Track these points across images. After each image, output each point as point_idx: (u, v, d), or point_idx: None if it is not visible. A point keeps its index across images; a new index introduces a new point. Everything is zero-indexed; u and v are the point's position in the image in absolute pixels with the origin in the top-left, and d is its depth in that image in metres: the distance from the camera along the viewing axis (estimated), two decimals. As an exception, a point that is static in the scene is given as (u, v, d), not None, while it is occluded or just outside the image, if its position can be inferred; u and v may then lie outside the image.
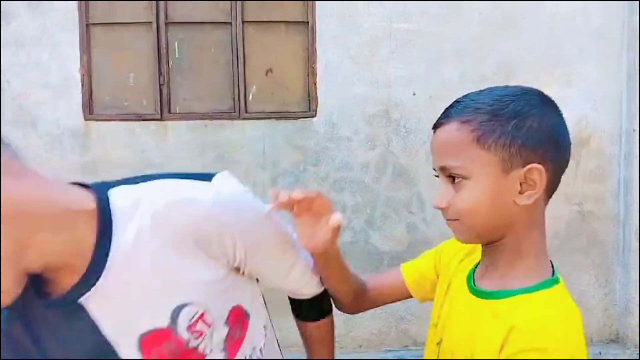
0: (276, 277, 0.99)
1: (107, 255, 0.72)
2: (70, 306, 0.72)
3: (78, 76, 3.32)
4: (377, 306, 1.14)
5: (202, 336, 0.81)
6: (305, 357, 1.21)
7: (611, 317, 3.50)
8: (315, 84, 3.36)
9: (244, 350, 0.88)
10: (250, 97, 3.38)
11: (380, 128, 3.37)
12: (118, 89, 3.37)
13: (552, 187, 0.83)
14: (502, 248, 0.83)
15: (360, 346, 3.42)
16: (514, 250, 0.83)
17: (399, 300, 1.13)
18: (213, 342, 0.82)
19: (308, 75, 3.38)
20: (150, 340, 0.76)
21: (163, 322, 0.77)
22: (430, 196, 3.36)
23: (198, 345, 0.80)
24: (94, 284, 0.72)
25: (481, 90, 0.85)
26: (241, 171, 3.31)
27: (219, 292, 0.82)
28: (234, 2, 3.33)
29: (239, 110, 3.34)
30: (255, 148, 3.32)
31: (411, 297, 1.11)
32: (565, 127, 0.83)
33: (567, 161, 0.84)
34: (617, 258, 3.47)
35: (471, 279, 0.90)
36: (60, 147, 3.31)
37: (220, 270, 0.83)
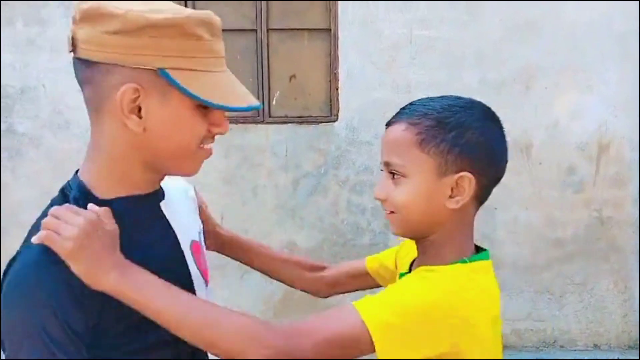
0: None
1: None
2: (156, 205, 0.90)
3: (109, 81, 3.37)
4: (341, 290, 1.24)
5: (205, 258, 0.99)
6: None
7: (630, 323, 3.42)
8: (337, 89, 3.36)
9: None
10: (274, 102, 3.40)
11: (401, 132, 3.35)
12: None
13: (481, 196, 0.88)
14: (427, 244, 0.90)
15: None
16: (436, 247, 0.88)
17: (363, 288, 1.19)
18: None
19: (330, 80, 3.39)
20: (195, 247, 0.95)
21: (197, 237, 0.97)
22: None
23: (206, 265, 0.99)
24: (164, 196, 0.91)
25: (434, 97, 0.91)
26: (264, 173, 3.33)
27: None
28: (259, 10, 3.35)
29: (263, 114, 3.36)
30: (278, 151, 3.34)
31: (375, 286, 1.17)
32: (504, 144, 0.89)
33: (500, 176, 0.90)
34: (636, 264, 3.39)
35: (404, 275, 0.96)
36: (92, 148, 3.36)
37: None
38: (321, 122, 3.35)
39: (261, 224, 3.38)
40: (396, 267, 1.07)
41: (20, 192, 3.37)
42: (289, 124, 3.34)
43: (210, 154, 0.86)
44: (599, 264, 3.39)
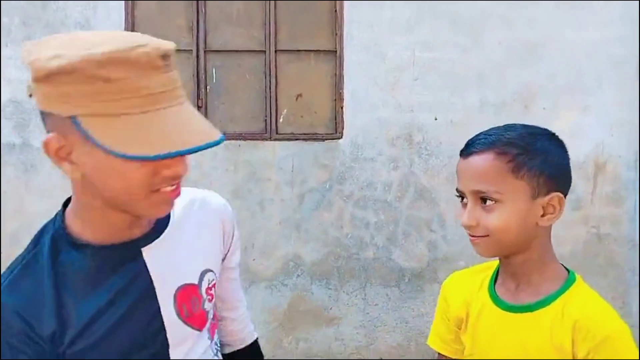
0: (231, 298, 1.06)
1: (168, 220, 0.87)
2: (133, 251, 0.83)
3: (123, 98, 3.39)
4: None
5: (212, 301, 0.93)
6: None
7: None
8: (341, 108, 3.38)
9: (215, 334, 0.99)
10: (281, 120, 3.42)
11: (403, 150, 3.36)
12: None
13: (563, 211, 0.95)
14: (529, 262, 0.93)
15: (381, 358, 3.38)
16: (539, 263, 0.94)
17: None
18: (212, 310, 0.94)
19: (335, 100, 3.41)
20: (183, 293, 0.87)
21: (194, 279, 0.89)
22: (450, 215, 3.32)
23: (208, 308, 0.92)
24: (155, 239, 0.85)
25: (501, 127, 0.95)
26: (271, 188, 3.33)
27: (220, 270, 0.97)
28: (268, 32, 3.39)
29: (270, 131, 3.37)
30: (284, 167, 3.35)
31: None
32: (569, 161, 0.96)
33: (568, 192, 0.96)
34: (634, 280, 3.36)
35: (496, 298, 0.97)
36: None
37: (222, 254, 0.98)
38: (326, 139, 3.36)
39: (267, 237, 3.38)
40: (453, 321, 1.03)
41: (35, 204, 3.38)
42: (296, 141, 3.36)
43: (175, 195, 0.78)
44: (598, 280, 3.35)
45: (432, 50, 3.33)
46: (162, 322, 0.85)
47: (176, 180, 0.76)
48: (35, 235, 0.85)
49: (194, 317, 0.89)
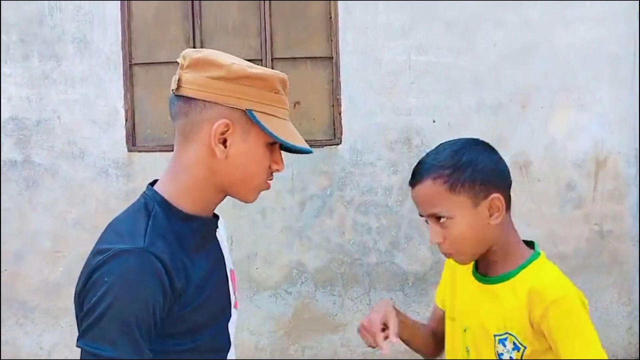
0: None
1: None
2: (215, 225, 1.03)
3: (122, 112, 3.41)
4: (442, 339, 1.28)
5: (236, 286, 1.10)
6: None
7: (635, 334, 3.37)
8: (339, 114, 3.38)
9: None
10: (280, 128, 3.42)
11: (402, 154, 3.36)
12: (159, 122, 3.44)
13: (508, 203, 1.08)
14: (494, 252, 1.08)
15: (388, 364, 3.36)
16: (503, 249, 1.08)
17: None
18: None
19: (333, 106, 3.41)
20: (232, 274, 1.06)
21: (232, 265, 1.08)
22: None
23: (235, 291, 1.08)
24: (217, 226, 1.04)
25: (435, 150, 1.08)
26: (271, 196, 3.33)
27: None
28: (264, 41, 3.40)
29: (269, 139, 3.37)
30: (284, 174, 3.34)
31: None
32: (501, 159, 1.09)
33: (511, 182, 1.09)
34: (638, 276, 3.35)
35: (476, 272, 1.13)
36: (106, 177, 3.39)
37: None
38: (325, 146, 3.36)
39: (270, 245, 3.37)
40: (460, 274, 1.19)
41: (37, 220, 3.38)
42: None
43: (269, 187, 1.01)
44: (602, 277, 3.34)
45: (428, 53, 3.34)
46: (230, 299, 1.03)
47: (273, 176, 1.00)
48: (137, 208, 0.95)
49: (236, 299, 1.07)
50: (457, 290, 1.18)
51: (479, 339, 1.09)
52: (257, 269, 3.37)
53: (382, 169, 3.36)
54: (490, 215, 1.04)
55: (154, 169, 3.35)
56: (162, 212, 0.93)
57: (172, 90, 0.95)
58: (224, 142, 0.94)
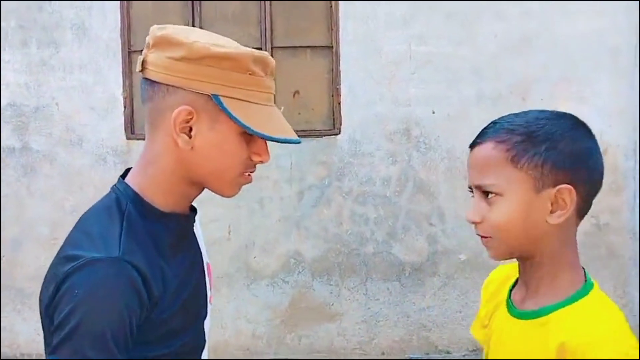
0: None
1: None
2: (192, 222, 0.95)
3: (120, 99, 3.40)
4: None
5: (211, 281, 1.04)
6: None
7: (630, 327, 3.39)
8: (339, 103, 3.37)
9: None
10: (279, 117, 3.41)
11: (401, 145, 3.36)
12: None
13: (583, 208, 0.83)
14: (538, 266, 0.84)
15: (383, 353, 3.38)
16: (550, 267, 0.83)
17: None
18: None
19: (332, 95, 3.40)
20: (209, 268, 1.00)
21: (208, 260, 1.01)
22: (449, 209, 3.33)
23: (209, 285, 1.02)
24: (194, 220, 0.96)
25: (518, 113, 0.86)
26: (270, 186, 3.33)
27: None
28: (263, 29, 3.38)
29: (268, 129, 3.37)
30: (283, 164, 3.34)
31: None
32: (598, 151, 0.84)
33: (599, 184, 0.84)
34: (635, 269, 3.37)
35: (510, 301, 0.89)
36: (104, 164, 3.38)
37: None
38: (324, 136, 3.36)
39: (267, 234, 3.38)
40: (495, 302, 0.96)
41: (35, 207, 3.38)
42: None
43: (250, 181, 0.91)
44: (598, 269, 3.36)
45: (428, 44, 3.33)
46: (206, 294, 0.96)
47: (255, 168, 0.90)
48: (108, 206, 0.87)
49: (211, 294, 1.01)
50: (492, 325, 0.93)
51: None
52: (254, 258, 3.38)
53: (380, 159, 3.36)
54: (552, 211, 0.80)
55: (153, 157, 3.35)
56: (135, 211, 0.85)
57: (138, 71, 0.88)
58: (190, 131, 0.84)
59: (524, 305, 0.86)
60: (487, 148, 0.83)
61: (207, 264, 1.00)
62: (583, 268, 0.86)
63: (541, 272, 0.83)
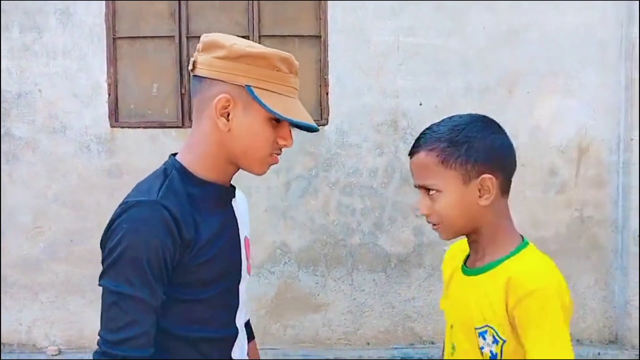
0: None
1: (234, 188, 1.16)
2: (231, 194, 1.13)
3: (105, 86, 3.35)
4: None
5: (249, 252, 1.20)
6: (315, 355, 1.31)
7: (610, 319, 3.45)
8: (327, 94, 3.37)
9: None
10: (266, 106, 3.40)
11: (388, 136, 3.37)
12: (142, 98, 3.40)
13: (505, 186, 1.06)
14: (481, 237, 1.06)
15: (368, 343, 3.41)
16: (490, 236, 1.06)
17: None
18: None
19: (320, 86, 3.39)
20: (247, 243, 1.16)
21: (248, 235, 1.19)
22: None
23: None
24: (234, 196, 1.15)
25: (440, 122, 1.07)
26: (256, 176, 3.32)
27: None
28: (251, 18, 3.35)
29: (255, 118, 3.35)
30: (270, 154, 3.33)
31: None
32: (507, 141, 1.07)
33: (513, 166, 1.08)
34: (616, 262, 3.42)
35: (463, 266, 1.11)
36: (88, 152, 3.35)
37: None
38: (312, 126, 3.35)
39: (254, 225, 3.33)
40: (451, 271, 1.17)
41: (17, 195, 3.34)
42: (281, 128, 3.34)
43: (277, 162, 1.10)
44: (581, 262, 3.41)
45: (417, 35, 3.33)
46: (241, 260, 1.12)
47: (281, 151, 1.09)
48: (158, 173, 1.06)
49: (249, 264, 1.17)
50: (449, 290, 1.15)
51: (462, 335, 1.07)
52: (249, 245, 3.37)
53: (368, 150, 3.37)
54: (480, 196, 1.03)
55: (137, 145, 3.32)
56: (178, 177, 1.04)
57: (190, 70, 1.07)
58: (228, 116, 1.03)
59: (474, 265, 1.08)
60: (422, 156, 1.05)
61: (247, 238, 1.16)
62: (521, 236, 1.09)
63: (485, 240, 1.06)
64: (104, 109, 3.35)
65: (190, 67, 1.07)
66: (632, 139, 3.30)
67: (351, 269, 3.40)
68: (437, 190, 1.03)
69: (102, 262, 0.99)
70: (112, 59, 3.36)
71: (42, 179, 3.33)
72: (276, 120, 1.04)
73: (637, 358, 3.29)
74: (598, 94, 3.37)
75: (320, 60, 3.38)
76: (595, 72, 3.36)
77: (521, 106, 3.36)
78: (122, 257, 0.95)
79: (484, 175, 1.02)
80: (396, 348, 3.39)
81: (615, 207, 3.40)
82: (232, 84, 1.02)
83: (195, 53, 1.07)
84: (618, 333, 3.43)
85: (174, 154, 1.12)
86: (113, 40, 3.35)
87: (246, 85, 1.02)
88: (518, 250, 1.04)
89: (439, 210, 1.03)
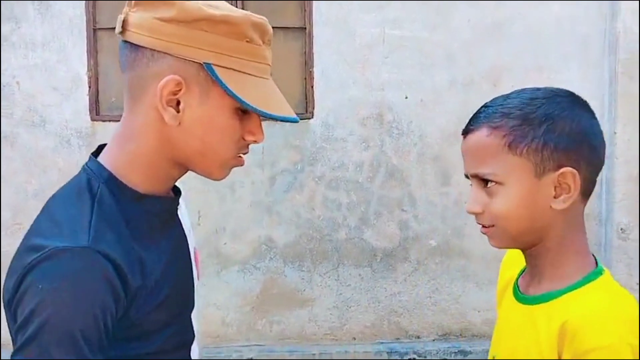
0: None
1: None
2: (175, 205, 0.87)
3: (85, 78, 3.31)
4: None
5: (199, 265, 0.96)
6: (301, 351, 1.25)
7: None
8: (312, 87, 3.36)
9: None
10: (250, 100, 3.38)
11: (374, 130, 3.37)
12: (123, 91, 3.36)
13: (588, 188, 0.81)
14: (544, 253, 0.81)
15: (354, 338, 3.43)
16: (554, 254, 0.81)
17: None
18: None
19: (305, 78, 3.39)
20: (196, 254, 0.92)
21: (195, 245, 0.93)
22: (421, 194, 3.36)
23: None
24: (178, 202, 0.88)
25: (509, 94, 0.82)
26: (241, 170, 3.30)
27: None
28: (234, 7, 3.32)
29: (239, 112, 3.33)
30: (254, 148, 3.29)
31: None
32: (599, 128, 0.81)
33: (602, 162, 0.82)
34: (599, 255, 3.47)
35: (516, 287, 0.86)
36: (68, 146, 3.30)
37: None
38: (297, 120, 3.34)
39: (238, 220, 3.36)
40: (504, 284, 0.93)
41: (-6, 190, 3.29)
42: (266, 121, 3.32)
43: (242, 163, 0.85)
44: (564, 255, 3.46)
45: (402, 27, 3.33)
46: (193, 282, 0.89)
47: (248, 149, 0.82)
48: (79, 189, 0.78)
49: (199, 274, 0.94)
50: (499, 315, 0.91)
51: None
52: (225, 244, 3.36)
53: (353, 144, 3.37)
54: (556, 196, 0.78)
55: (119, 139, 3.28)
56: (108, 193, 0.77)
57: (117, 33, 0.78)
58: (177, 104, 0.75)
59: (529, 291, 0.84)
60: (482, 135, 0.79)
61: (195, 249, 0.92)
62: (593, 255, 0.84)
63: (547, 259, 0.81)
64: (84, 102, 3.31)
65: (118, 29, 0.77)
66: (615, 133, 3.34)
67: (337, 264, 3.41)
68: (498, 183, 0.78)
69: (14, 332, 0.72)
70: (93, 51, 3.31)
71: (21, 175, 3.28)
72: (242, 110, 0.77)
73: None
74: (582, 87, 3.39)
75: (305, 52, 3.37)
76: (579, 67, 3.39)
77: (506, 100, 3.38)
78: (43, 332, 0.68)
79: (565, 169, 0.77)
80: (382, 343, 3.41)
81: (599, 200, 3.45)
82: (185, 59, 0.74)
83: (126, 8, 0.78)
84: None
85: (95, 153, 0.82)
86: (94, 31, 3.30)
87: (205, 63, 0.73)
88: (587, 280, 0.78)
89: (497, 209, 0.78)
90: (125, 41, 0.77)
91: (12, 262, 0.75)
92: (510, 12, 3.35)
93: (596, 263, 0.82)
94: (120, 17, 0.77)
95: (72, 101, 3.30)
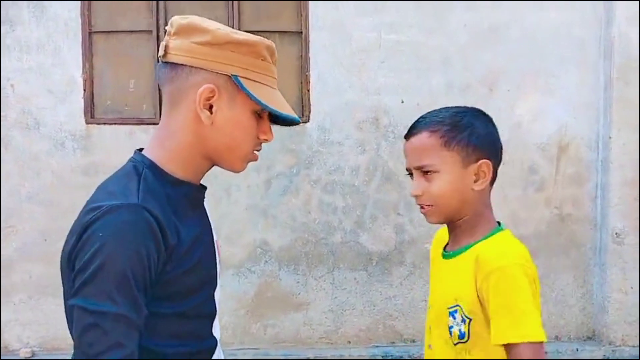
0: None
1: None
2: (204, 193, 1.05)
3: (80, 81, 3.30)
4: None
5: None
6: (296, 354, 1.30)
7: (588, 315, 3.52)
8: (308, 91, 3.36)
9: None
10: (246, 103, 3.38)
11: (370, 133, 3.38)
12: (119, 94, 3.35)
13: (494, 177, 1.12)
14: (464, 223, 1.11)
15: (349, 342, 3.42)
16: (472, 222, 1.11)
17: None
18: None
19: (301, 83, 3.39)
20: (217, 244, 1.08)
21: (217, 237, 1.09)
22: (417, 199, 3.36)
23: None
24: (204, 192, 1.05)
25: (439, 109, 1.12)
26: (237, 174, 3.30)
27: None
28: (231, 13, 3.33)
29: (235, 115, 3.33)
30: (250, 152, 3.31)
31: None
32: (498, 134, 1.14)
33: (501, 159, 1.14)
34: (594, 259, 3.49)
35: (443, 251, 1.17)
36: (63, 149, 3.29)
37: None
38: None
39: (234, 223, 3.36)
40: (434, 256, 1.22)
41: (-12, 193, 3.27)
42: (261, 125, 3.32)
43: (256, 158, 1.03)
44: (560, 259, 3.47)
45: (398, 32, 3.34)
46: (217, 266, 1.05)
47: (261, 146, 1.02)
48: (127, 171, 0.97)
49: (220, 267, 1.08)
50: (430, 273, 1.21)
51: (437, 315, 1.10)
52: (220, 247, 3.35)
53: (349, 148, 3.38)
54: (476, 180, 1.08)
55: (113, 142, 3.27)
56: (152, 175, 0.95)
57: (159, 57, 0.98)
58: (210, 108, 0.95)
59: (452, 249, 1.13)
60: (423, 137, 1.09)
61: (216, 240, 1.07)
62: (498, 222, 1.14)
63: (466, 227, 1.11)
64: (79, 105, 3.30)
65: (160, 53, 0.98)
66: (610, 137, 3.36)
67: (332, 268, 3.41)
68: (435, 171, 1.07)
69: (72, 279, 0.87)
70: (88, 54, 3.30)
71: (15, 177, 3.27)
72: (258, 114, 0.98)
73: (614, 354, 3.35)
74: (578, 92, 3.42)
75: (301, 56, 3.37)
76: (575, 71, 3.41)
77: (502, 104, 3.40)
78: (102, 271, 0.83)
79: (482, 161, 1.08)
80: (377, 346, 3.41)
81: (594, 204, 3.47)
82: (217, 72, 0.94)
83: (167, 37, 0.98)
84: (596, 329, 3.50)
85: (140, 149, 1.02)
86: (89, 34, 3.29)
87: (232, 75, 0.94)
88: (491, 234, 1.10)
89: (435, 191, 1.07)
90: (165, 62, 0.97)
91: (72, 227, 0.92)
92: (507, 17, 3.37)
93: (498, 225, 1.14)
94: (162, 44, 0.98)
95: (67, 104, 3.29)
